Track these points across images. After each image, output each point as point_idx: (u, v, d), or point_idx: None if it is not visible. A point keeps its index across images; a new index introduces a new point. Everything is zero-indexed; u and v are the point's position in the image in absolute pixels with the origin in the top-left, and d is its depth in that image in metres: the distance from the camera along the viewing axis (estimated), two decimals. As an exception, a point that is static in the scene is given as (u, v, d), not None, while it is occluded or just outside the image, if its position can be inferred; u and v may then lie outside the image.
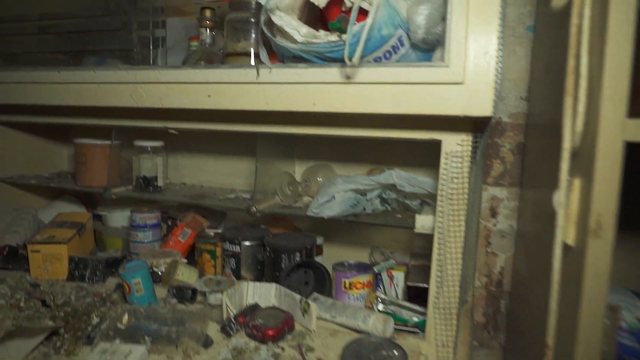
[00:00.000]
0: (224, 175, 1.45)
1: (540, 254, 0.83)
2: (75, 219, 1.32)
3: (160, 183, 1.32)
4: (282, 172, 1.23)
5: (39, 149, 1.61)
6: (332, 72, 0.87)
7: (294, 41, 0.88)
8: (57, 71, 1.17)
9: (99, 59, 1.17)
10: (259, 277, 1.17)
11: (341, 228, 1.29)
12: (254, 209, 1.10)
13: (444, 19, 0.83)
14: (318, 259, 1.22)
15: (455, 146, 0.90)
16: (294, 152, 1.34)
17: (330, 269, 1.11)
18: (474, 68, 0.80)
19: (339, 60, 0.86)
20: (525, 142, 1.15)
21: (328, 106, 0.90)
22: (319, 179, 1.23)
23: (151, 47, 1.13)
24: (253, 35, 1.04)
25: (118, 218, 1.45)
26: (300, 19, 0.92)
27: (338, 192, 1.06)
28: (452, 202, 0.90)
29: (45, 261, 1.17)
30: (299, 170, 1.34)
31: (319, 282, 1.11)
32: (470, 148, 0.90)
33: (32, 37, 1.25)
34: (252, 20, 1.04)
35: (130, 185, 1.33)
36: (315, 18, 0.98)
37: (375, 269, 1.12)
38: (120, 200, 1.35)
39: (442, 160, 0.91)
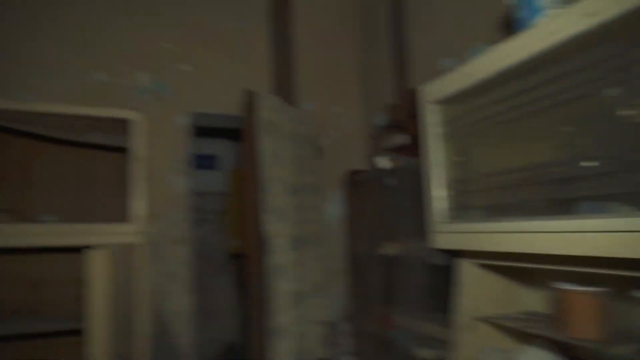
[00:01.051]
0: None
1: None
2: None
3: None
4: None
5: (505, 289, 1.64)
6: None
7: None
8: (540, 220, 1.16)
9: (593, 204, 1.07)
10: None
11: None
12: None
13: None
14: None
15: None
16: None
17: None
18: None
19: None
20: None
21: None
22: None
23: None
24: None
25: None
26: None
27: None
28: None
29: None
30: None
31: None
32: None
33: (513, 188, 1.31)
34: None
35: (629, 344, 1.11)
36: None
37: None
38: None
39: None
